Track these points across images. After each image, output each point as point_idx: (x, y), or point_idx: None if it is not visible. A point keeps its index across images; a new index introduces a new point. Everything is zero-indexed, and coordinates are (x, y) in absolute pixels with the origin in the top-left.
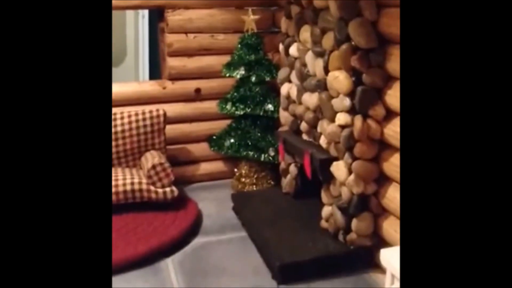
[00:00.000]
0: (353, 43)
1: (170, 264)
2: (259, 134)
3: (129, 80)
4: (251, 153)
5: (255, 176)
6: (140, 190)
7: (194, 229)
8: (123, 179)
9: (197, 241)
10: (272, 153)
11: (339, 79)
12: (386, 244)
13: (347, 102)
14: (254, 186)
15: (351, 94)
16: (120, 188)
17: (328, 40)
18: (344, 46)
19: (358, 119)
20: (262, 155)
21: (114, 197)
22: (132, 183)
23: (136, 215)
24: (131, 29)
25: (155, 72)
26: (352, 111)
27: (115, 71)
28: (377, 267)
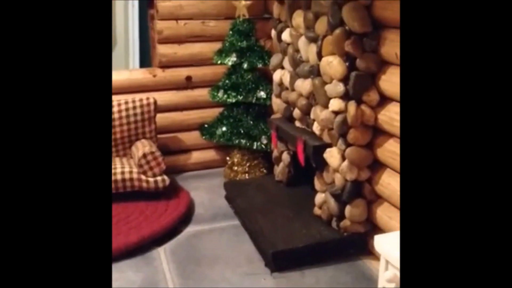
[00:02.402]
0: (347, 27)
1: (162, 253)
2: (251, 122)
3: (119, 68)
4: (243, 141)
5: (248, 164)
6: (131, 180)
7: (186, 217)
8: (113, 169)
9: (190, 229)
10: (264, 141)
11: (333, 65)
12: (379, 230)
13: (340, 87)
14: (247, 174)
15: (344, 80)
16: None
17: (321, 25)
18: (337, 31)
19: (351, 105)
20: (255, 143)
21: None
22: (123, 172)
23: (127, 205)
24: (121, 17)
25: (146, 60)
26: (345, 96)
27: None
28: (371, 253)
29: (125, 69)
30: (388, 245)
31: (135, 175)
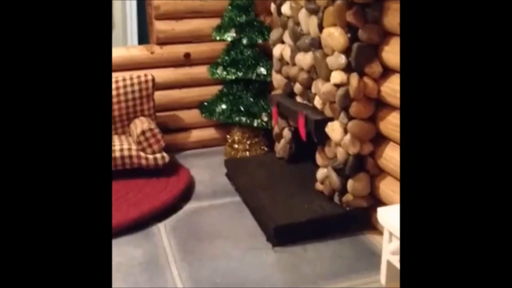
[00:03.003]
0: None
1: (162, 228)
2: (251, 99)
3: (117, 46)
4: (243, 118)
5: (248, 142)
6: (130, 157)
7: (186, 194)
8: (112, 146)
9: (190, 206)
10: (265, 119)
11: (334, 36)
12: (382, 205)
13: (342, 59)
14: (247, 152)
15: (346, 52)
16: None
17: None
18: (339, 1)
19: (354, 77)
20: (255, 121)
21: None
22: (122, 150)
23: (126, 182)
24: None
25: (144, 38)
26: (347, 69)
27: None
28: (374, 228)
29: (123, 46)
30: (391, 217)
31: (134, 152)
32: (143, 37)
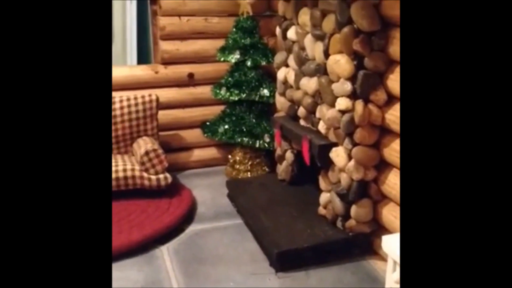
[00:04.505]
0: (355, 26)
1: (165, 251)
2: (254, 120)
3: (117, 65)
4: (245, 139)
5: (250, 163)
6: (133, 177)
7: (189, 216)
8: (115, 166)
9: (192, 228)
10: (267, 140)
11: (340, 63)
12: (385, 230)
13: (348, 86)
14: (249, 173)
15: (352, 79)
16: (112, 175)
17: (328, 23)
18: (345, 29)
19: (359, 104)
20: (257, 142)
21: None
22: (125, 170)
23: (129, 203)
24: (119, 14)
25: (144, 57)
26: (353, 95)
27: None
28: (376, 254)
29: (124, 66)
30: (396, 245)
31: (137, 173)
32: (143, 55)
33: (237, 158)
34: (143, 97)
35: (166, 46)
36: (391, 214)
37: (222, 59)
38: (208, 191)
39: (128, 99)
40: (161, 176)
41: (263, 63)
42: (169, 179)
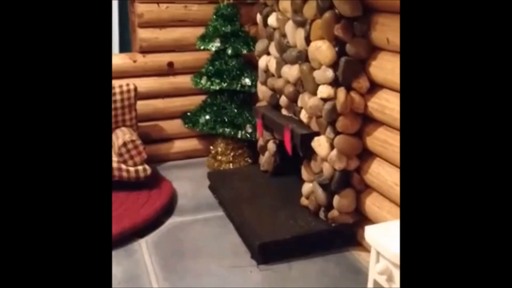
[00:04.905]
0: (336, 11)
1: (144, 245)
2: (235, 110)
3: None
4: (227, 130)
5: (232, 154)
6: (111, 169)
7: (168, 208)
8: None
9: (172, 221)
10: (249, 130)
11: (322, 49)
12: (368, 221)
13: (330, 73)
14: (231, 164)
15: (334, 66)
16: None
17: (310, 9)
18: (327, 14)
19: (341, 92)
20: (239, 132)
21: None
22: (111, 160)
23: None
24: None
25: (125, 46)
26: (335, 83)
27: None
28: (359, 245)
29: None
30: (379, 236)
31: (115, 164)
32: (124, 45)
33: (219, 149)
34: (120, 86)
35: (145, 34)
36: (374, 205)
37: (202, 47)
38: (189, 183)
39: None
40: (140, 167)
41: (244, 51)
42: (148, 171)
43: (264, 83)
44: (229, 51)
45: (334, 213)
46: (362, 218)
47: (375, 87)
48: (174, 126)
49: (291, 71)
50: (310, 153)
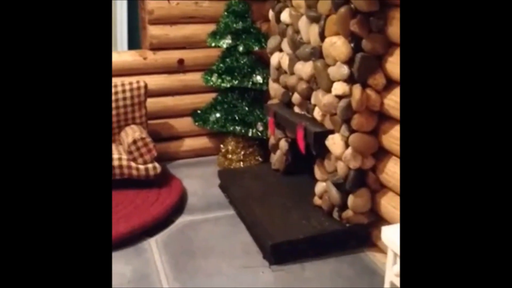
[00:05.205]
0: (352, 6)
1: (153, 244)
2: (246, 108)
3: None
4: (238, 128)
5: (242, 152)
6: (120, 167)
7: (178, 207)
8: None
9: (182, 219)
10: (260, 128)
11: (337, 45)
12: (383, 221)
13: (345, 70)
14: (241, 162)
15: (349, 62)
16: None
17: (324, 4)
18: (342, 9)
19: (357, 89)
20: (250, 130)
21: None
22: (112, 159)
23: (116, 193)
24: None
25: (134, 43)
26: (350, 80)
27: None
28: (375, 245)
29: (113, 51)
30: (396, 237)
31: (124, 162)
32: (133, 42)
33: (229, 147)
34: (130, 83)
35: (155, 31)
36: (390, 204)
37: (213, 44)
38: (199, 181)
39: (115, 86)
40: (149, 165)
41: (256, 48)
42: (158, 169)
43: (276, 80)
44: (240, 48)
45: (348, 213)
46: (377, 219)
47: (391, 83)
48: (184, 124)
49: (304, 68)
50: (324, 152)
